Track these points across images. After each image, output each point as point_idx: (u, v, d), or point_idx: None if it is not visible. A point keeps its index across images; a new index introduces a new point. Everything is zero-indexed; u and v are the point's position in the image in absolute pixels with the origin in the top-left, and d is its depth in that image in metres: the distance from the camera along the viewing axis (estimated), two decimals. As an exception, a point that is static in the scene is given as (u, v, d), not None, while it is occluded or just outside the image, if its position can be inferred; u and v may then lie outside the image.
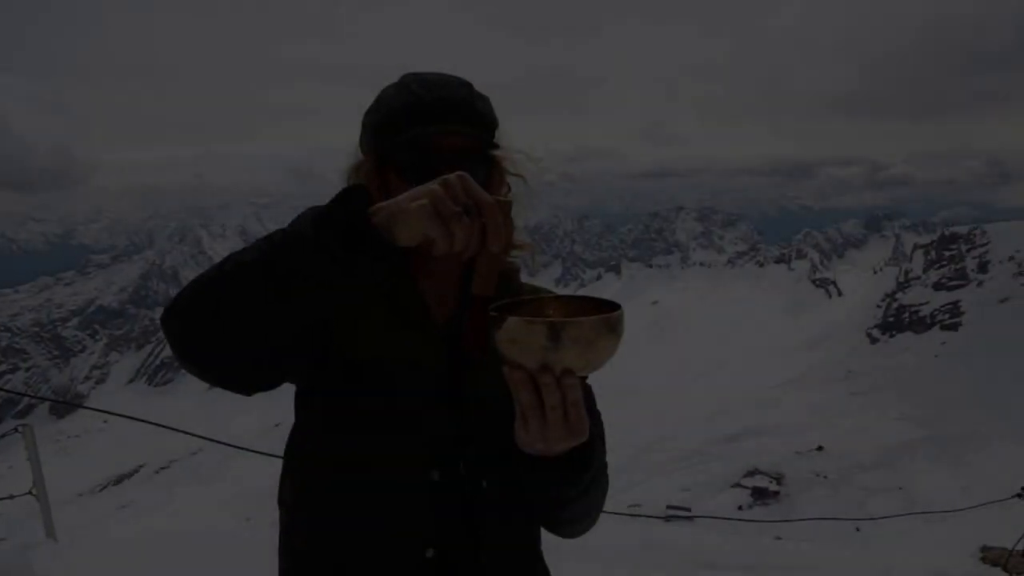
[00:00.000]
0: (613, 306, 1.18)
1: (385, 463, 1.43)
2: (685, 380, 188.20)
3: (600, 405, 1.56)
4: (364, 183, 1.29)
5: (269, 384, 1.37)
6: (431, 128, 1.44)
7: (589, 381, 1.50)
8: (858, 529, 70.62)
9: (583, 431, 1.20)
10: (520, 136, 1.54)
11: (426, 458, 1.44)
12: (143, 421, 5.99)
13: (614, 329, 1.11)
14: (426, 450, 1.44)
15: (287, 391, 1.54)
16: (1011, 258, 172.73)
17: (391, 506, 1.43)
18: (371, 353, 1.45)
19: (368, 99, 1.57)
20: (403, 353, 1.46)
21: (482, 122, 1.51)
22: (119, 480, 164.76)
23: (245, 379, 1.33)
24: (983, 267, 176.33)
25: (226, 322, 1.19)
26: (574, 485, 1.34)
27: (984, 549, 7.36)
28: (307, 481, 1.51)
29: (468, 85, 1.54)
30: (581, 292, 1.32)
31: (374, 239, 1.14)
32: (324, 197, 1.51)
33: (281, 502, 1.59)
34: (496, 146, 1.55)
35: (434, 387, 1.46)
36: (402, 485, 1.43)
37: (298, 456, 1.55)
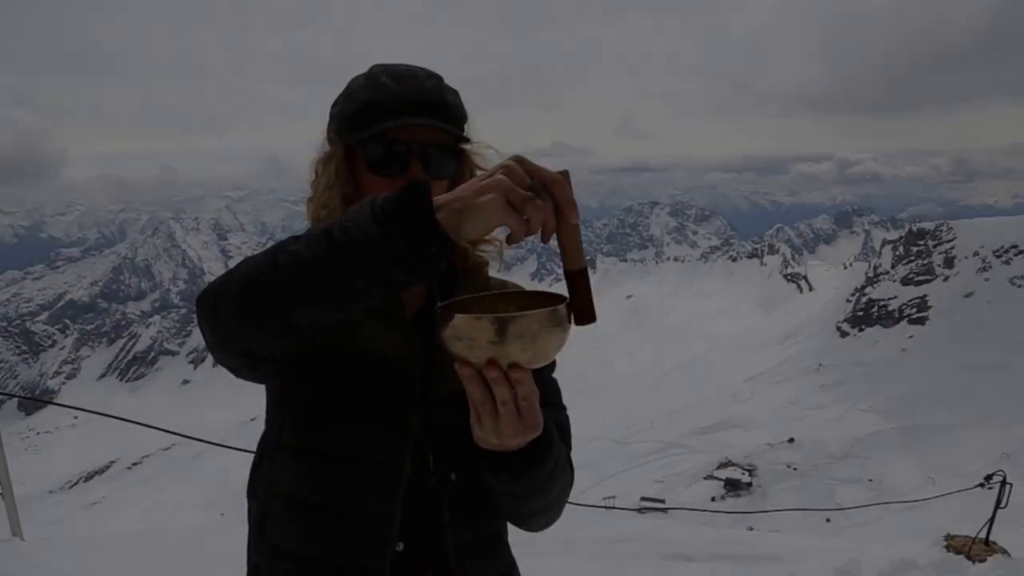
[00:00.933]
0: (560, 300, 1.17)
1: (358, 456, 1.43)
2: (659, 373, 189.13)
3: (574, 399, 1.29)
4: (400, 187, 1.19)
5: (282, 374, 1.44)
6: (400, 121, 1.43)
7: (557, 375, 1.53)
8: (828, 520, 71.54)
9: (536, 425, 1.21)
10: (496, 131, 1.51)
11: (399, 452, 1.44)
12: (114, 417, 5.94)
13: (559, 323, 1.10)
14: (399, 444, 1.44)
15: (259, 385, 1.54)
16: (976, 253, 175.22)
17: (362, 499, 1.43)
18: (346, 346, 1.45)
19: (340, 91, 1.55)
20: (378, 346, 1.46)
21: (452, 115, 1.49)
22: (89, 477, 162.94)
23: (275, 369, 1.39)
24: (949, 262, 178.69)
25: (281, 315, 1.20)
26: (531, 480, 1.34)
27: (949, 537, 7.48)
28: (278, 474, 1.50)
29: (438, 77, 1.52)
30: (555, 287, 1.00)
31: (441, 238, 1.11)
32: (300, 191, 1.53)
33: (252, 495, 1.58)
34: (466, 140, 1.53)
35: (407, 381, 1.46)
36: (374, 479, 1.43)
37: (270, 449, 1.54)
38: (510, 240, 1.13)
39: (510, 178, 1.10)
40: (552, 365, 1.55)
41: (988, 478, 7.72)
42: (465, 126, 1.54)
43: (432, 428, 1.47)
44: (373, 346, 1.46)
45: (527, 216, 1.09)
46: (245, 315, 1.23)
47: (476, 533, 1.52)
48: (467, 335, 1.08)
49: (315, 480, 1.45)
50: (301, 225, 1.43)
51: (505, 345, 1.07)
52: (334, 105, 1.54)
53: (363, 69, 1.56)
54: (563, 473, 1.47)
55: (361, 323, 1.46)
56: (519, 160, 1.13)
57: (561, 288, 1.25)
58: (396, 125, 1.43)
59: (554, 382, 1.64)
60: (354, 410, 1.44)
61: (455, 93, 1.53)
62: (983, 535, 7.29)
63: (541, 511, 1.49)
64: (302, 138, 1.53)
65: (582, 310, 1.16)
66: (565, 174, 1.14)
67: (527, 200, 1.09)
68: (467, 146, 1.54)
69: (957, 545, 7.20)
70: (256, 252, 1.26)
